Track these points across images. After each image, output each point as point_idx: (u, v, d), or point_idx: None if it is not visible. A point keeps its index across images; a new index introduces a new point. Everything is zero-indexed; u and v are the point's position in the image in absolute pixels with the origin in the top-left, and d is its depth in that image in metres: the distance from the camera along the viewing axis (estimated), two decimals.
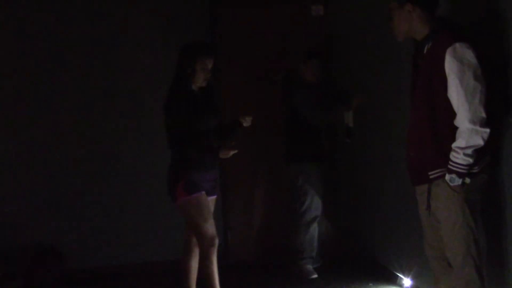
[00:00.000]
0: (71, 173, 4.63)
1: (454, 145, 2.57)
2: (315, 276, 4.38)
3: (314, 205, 4.40)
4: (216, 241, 3.47)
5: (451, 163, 2.57)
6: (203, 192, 3.45)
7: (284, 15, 4.81)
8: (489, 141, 2.57)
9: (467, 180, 2.58)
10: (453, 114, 2.59)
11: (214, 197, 3.64)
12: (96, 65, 4.66)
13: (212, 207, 3.61)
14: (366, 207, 4.61)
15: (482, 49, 2.62)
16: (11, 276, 4.32)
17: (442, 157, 2.62)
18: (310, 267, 4.44)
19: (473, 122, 2.52)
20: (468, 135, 2.53)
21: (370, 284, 4.17)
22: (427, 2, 2.72)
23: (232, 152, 3.62)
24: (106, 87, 4.68)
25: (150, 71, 4.65)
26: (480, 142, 2.53)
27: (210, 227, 3.44)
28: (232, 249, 4.83)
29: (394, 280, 4.10)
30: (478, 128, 2.52)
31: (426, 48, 2.71)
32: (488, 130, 2.53)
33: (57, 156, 4.61)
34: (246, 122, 3.69)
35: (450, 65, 2.56)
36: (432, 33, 2.69)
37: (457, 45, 2.54)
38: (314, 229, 4.44)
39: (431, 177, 2.69)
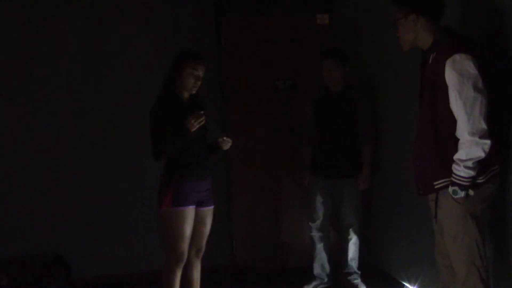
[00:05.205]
0: (76, 182, 4.64)
1: (455, 157, 2.56)
2: None
3: (316, 224, 4.26)
4: (184, 259, 3.46)
5: (453, 175, 2.57)
6: (191, 207, 3.43)
7: (290, 24, 4.82)
8: (495, 151, 2.57)
9: (471, 192, 2.56)
10: (455, 125, 2.58)
11: (210, 207, 3.59)
12: (100, 73, 4.67)
13: (209, 218, 3.59)
14: (372, 215, 4.60)
15: (486, 59, 2.63)
16: (18, 285, 4.33)
17: (447, 167, 2.61)
18: None
19: (472, 133, 2.50)
20: (468, 146, 2.51)
21: None
22: (432, 12, 2.72)
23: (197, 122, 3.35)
24: (111, 100, 4.70)
25: (155, 80, 4.65)
26: (481, 154, 2.51)
27: (183, 244, 3.43)
28: (238, 256, 4.82)
29: None
30: (478, 139, 2.50)
31: (431, 58, 2.72)
32: (488, 141, 2.50)
33: (63, 166, 4.62)
34: (225, 144, 3.54)
35: (449, 76, 2.56)
36: (436, 43, 2.69)
37: (457, 56, 2.54)
38: (319, 250, 4.27)
39: (436, 186, 2.69)
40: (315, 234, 4.28)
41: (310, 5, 4.83)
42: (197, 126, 3.34)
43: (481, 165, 2.55)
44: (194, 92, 3.51)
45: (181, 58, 3.48)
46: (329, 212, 4.28)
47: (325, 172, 4.20)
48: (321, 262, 4.29)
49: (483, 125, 2.50)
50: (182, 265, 3.48)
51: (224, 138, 3.55)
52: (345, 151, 4.18)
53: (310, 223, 4.30)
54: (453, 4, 2.94)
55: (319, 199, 4.24)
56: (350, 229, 4.23)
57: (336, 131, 4.18)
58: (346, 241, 4.26)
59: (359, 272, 4.27)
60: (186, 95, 3.52)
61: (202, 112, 3.35)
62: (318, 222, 4.26)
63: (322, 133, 4.24)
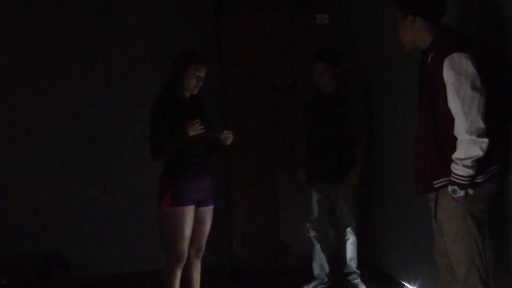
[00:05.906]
0: (76, 182, 4.65)
1: (453, 156, 2.56)
2: None
3: (313, 224, 4.26)
4: (184, 259, 3.46)
5: (452, 174, 2.57)
6: (190, 207, 3.43)
7: (289, 23, 4.81)
8: (495, 150, 2.57)
9: (470, 191, 2.56)
10: (454, 124, 2.58)
11: (210, 207, 3.59)
12: (100, 73, 4.69)
13: (209, 218, 3.59)
14: (372, 215, 4.60)
15: (486, 59, 2.62)
16: (18, 285, 4.33)
17: (446, 166, 2.61)
18: None
19: (470, 132, 2.50)
20: (466, 145, 2.51)
21: None
22: (429, 12, 2.72)
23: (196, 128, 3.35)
24: (111, 100, 4.71)
25: (154, 79, 4.66)
26: (479, 152, 2.51)
27: (183, 244, 3.43)
28: (238, 256, 4.82)
29: None
30: (475, 138, 2.50)
31: (430, 57, 2.72)
32: (486, 140, 2.50)
33: (63, 166, 4.63)
34: (228, 139, 3.54)
35: (447, 75, 2.56)
36: (435, 42, 2.69)
37: (455, 55, 2.54)
38: (318, 251, 4.26)
39: (435, 186, 2.68)
40: (313, 235, 4.28)
41: (310, 5, 4.83)
42: (198, 129, 3.34)
43: (480, 164, 2.54)
44: (195, 92, 3.51)
45: (184, 58, 3.46)
46: (326, 212, 4.28)
47: (320, 175, 4.20)
48: (320, 263, 4.29)
49: (481, 124, 2.50)
50: (182, 265, 3.48)
51: (225, 132, 3.55)
52: (339, 153, 4.15)
53: (307, 224, 4.30)
54: (453, 4, 2.93)
55: (315, 200, 4.23)
56: (347, 229, 4.22)
57: (330, 133, 4.15)
58: (344, 241, 4.24)
59: (359, 272, 4.26)
60: (187, 95, 3.52)
61: (198, 120, 3.34)
62: (315, 223, 4.26)
63: (316, 135, 4.21)
